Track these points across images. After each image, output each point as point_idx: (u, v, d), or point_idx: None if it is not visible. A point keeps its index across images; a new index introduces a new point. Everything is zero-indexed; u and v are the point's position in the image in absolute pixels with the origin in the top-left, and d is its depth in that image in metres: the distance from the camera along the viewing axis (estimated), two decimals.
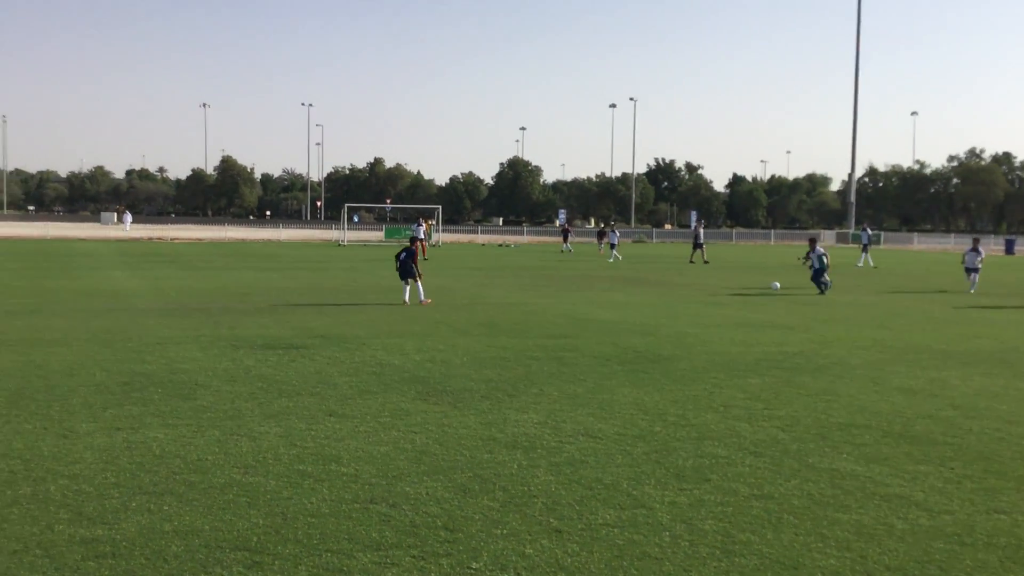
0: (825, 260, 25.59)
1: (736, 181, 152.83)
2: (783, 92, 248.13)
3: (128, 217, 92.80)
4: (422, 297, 20.24)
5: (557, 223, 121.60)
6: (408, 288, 20.55)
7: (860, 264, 41.27)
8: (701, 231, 43.97)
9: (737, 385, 11.01)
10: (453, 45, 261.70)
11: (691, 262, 40.92)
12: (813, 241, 27.07)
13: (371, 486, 6.77)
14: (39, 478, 6.81)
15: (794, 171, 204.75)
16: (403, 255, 20.73)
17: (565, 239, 55.00)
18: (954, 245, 74.94)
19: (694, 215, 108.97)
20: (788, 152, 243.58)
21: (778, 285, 26.49)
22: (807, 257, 26.49)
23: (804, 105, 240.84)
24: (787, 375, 11.78)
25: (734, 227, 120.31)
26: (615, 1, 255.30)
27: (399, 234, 62.24)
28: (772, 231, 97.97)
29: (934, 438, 8.49)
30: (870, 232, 45.98)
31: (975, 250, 27.43)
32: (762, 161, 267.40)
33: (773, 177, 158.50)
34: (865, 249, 42.91)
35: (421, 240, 20.92)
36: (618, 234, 48.24)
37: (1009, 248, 65.97)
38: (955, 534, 5.97)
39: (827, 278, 25.40)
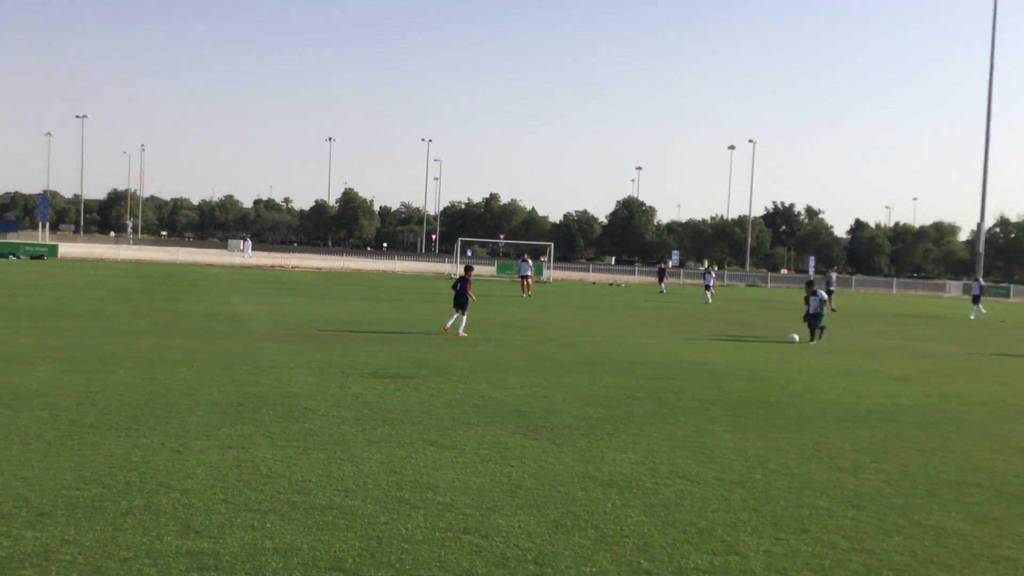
0: (824, 306, 24.03)
1: (858, 227, 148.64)
2: (910, 136, 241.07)
3: (248, 245, 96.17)
4: (461, 330, 20.68)
5: (670, 263, 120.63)
6: (454, 316, 20.99)
7: (972, 317, 39.61)
8: (834, 276, 42.90)
9: (845, 436, 10.72)
10: (570, 85, 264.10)
11: (832, 310, 39.66)
12: (811, 284, 24.96)
13: (465, 516, 6.87)
14: (152, 490, 7.16)
15: (920, 219, 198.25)
16: (458, 284, 21.30)
17: (660, 280, 54.62)
18: None
19: (812, 260, 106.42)
20: (915, 199, 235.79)
21: (796, 337, 23.73)
22: (807, 300, 24.00)
23: (932, 151, 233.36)
24: (898, 428, 11.40)
25: (854, 274, 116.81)
26: (736, 44, 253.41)
27: (510, 269, 62.79)
28: (894, 279, 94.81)
29: None
30: (982, 283, 44.26)
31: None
32: (887, 207, 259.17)
33: (898, 224, 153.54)
34: (976, 300, 41.17)
35: (468, 279, 21.32)
36: (714, 275, 46.81)
37: None
38: None
39: (823, 324, 23.73)
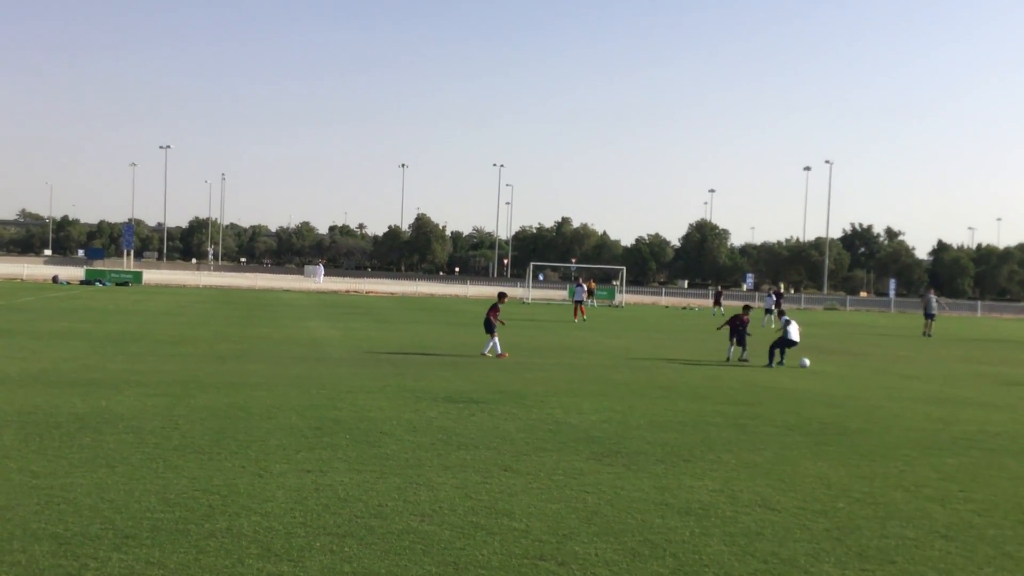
0: (790, 331, 22.02)
1: (941, 248, 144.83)
2: (993, 155, 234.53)
3: (321, 271, 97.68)
4: (496, 350, 21.30)
5: (744, 287, 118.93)
6: (489, 342, 21.48)
7: None
8: (933, 299, 40.77)
9: (931, 464, 10.40)
10: (641, 106, 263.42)
11: (926, 335, 38.69)
12: (748, 307, 23.63)
13: (541, 543, 6.84)
14: (234, 513, 7.28)
15: (1005, 239, 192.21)
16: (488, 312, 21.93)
17: (716, 302, 53.96)
18: None
19: (893, 282, 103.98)
20: (999, 219, 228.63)
21: (807, 362, 22.01)
22: (734, 327, 22.76)
23: (1017, 169, 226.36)
24: (987, 456, 11.02)
25: (922, 296, 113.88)
26: (810, 62, 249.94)
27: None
28: (979, 302, 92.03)
29: None
30: None
31: None
32: (970, 228, 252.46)
33: (981, 246, 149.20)
34: None
35: (496, 306, 21.86)
36: (774, 298, 44.85)
37: None
38: None
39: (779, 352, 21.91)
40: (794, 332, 22.18)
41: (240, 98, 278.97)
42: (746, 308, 23.90)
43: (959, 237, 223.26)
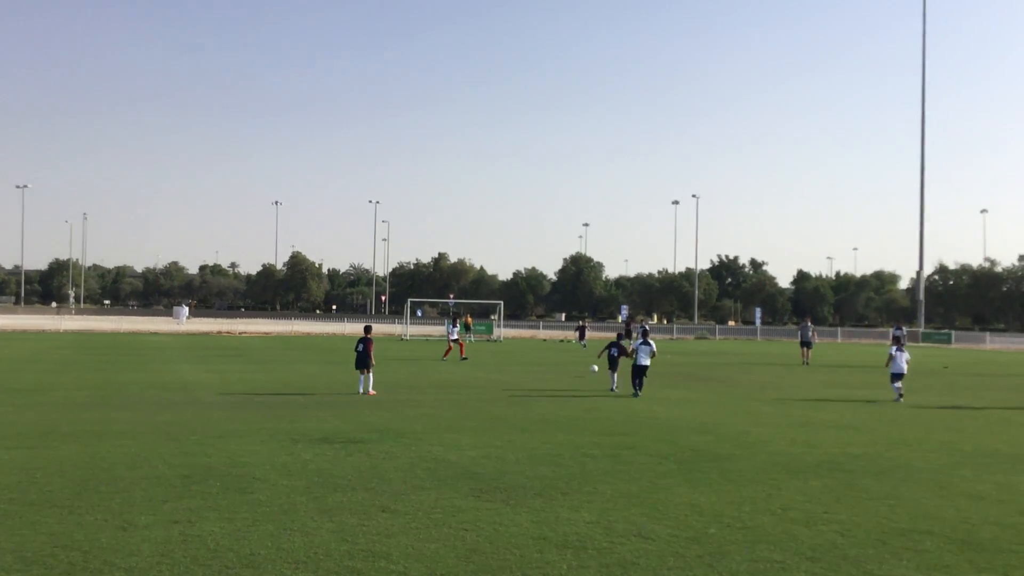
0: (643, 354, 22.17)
1: (802, 278, 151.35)
2: (849, 188, 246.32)
3: (184, 311, 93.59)
4: (370, 388, 21.22)
5: (620, 319, 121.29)
6: (363, 378, 21.37)
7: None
8: (809, 328, 41.12)
9: (796, 487, 10.79)
10: (516, 142, 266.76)
11: (805, 363, 38.87)
12: (629, 322, 24.51)
13: None
14: (96, 570, 6.94)
15: (861, 268, 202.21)
16: (360, 346, 21.60)
17: (581, 336, 54.97)
18: None
19: (758, 311, 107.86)
20: (855, 249, 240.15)
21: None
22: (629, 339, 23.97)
23: (871, 201, 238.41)
24: (849, 477, 11.52)
25: (799, 324, 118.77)
26: (677, 97, 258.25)
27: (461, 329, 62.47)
28: (839, 328, 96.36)
29: (999, 546, 8.20)
30: (904, 331, 44.24)
31: (901, 349, 23.41)
32: (828, 258, 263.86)
33: (839, 274, 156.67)
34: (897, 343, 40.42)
35: (369, 339, 21.67)
36: (646, 328, 45.07)
37: None
38: None
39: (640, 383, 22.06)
40: (643, 357, 22.40)
41: (101, 136, 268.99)
42: (619, 336, 24.60)
43: (819, 266, 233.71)
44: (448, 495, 9.89)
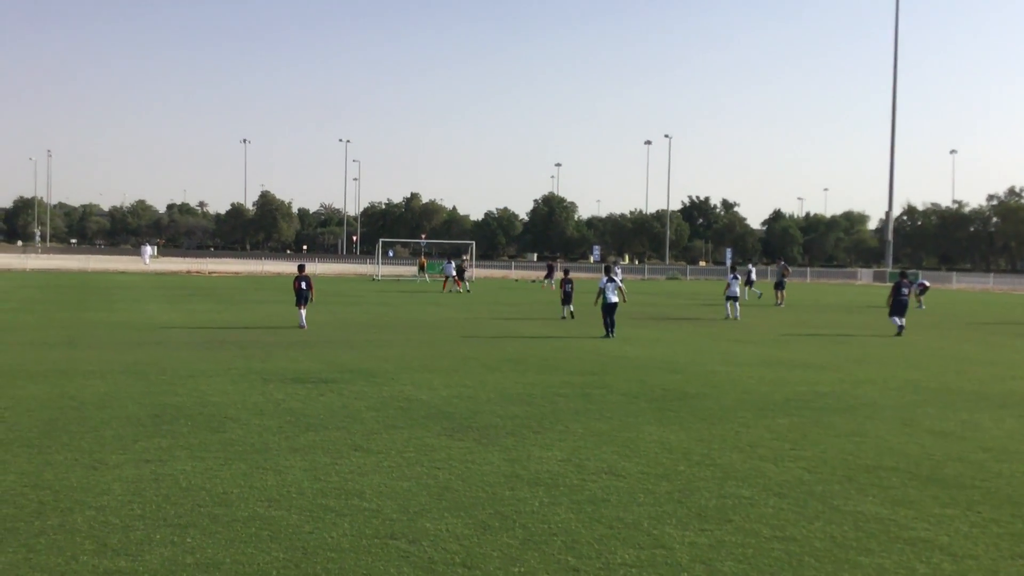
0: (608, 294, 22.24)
1: (776, 218, 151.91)
2: (820, 129, 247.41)
3: (148, 250, 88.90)
4: (303, 322, 22.28)
5: (592, 259, 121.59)
6: (303, 313, 22.46)
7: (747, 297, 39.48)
8: (781, 269, 41.14)
9: (765, 425, 10.94)
10: (488, 81, 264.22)
11: (778, 305, 38.86)
12: (551, 263, 25.17)
13: (392, 522, 6.80)
14: (67, 508, 6.92)
15: (831, 208, 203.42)
16: (303, 283, 22.60)
17: (549, 275, 54.18)
18: (994, 285, 73.91)
19: (729, 252, 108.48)
20: (826, 190, 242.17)
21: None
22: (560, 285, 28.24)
23: (842, 142, 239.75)
24: (816, 415, 11.68)
25: (769, 264, 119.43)
26: (650, 38, 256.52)
27: (433, 269, 62.42)
28: (808, 269, 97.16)
29: (963, 481, 8.38)
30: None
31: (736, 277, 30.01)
32: (799, 198, 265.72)
33: (809, 215, 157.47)
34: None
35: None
36: (621, 273, 44.15)
37: None
38: None
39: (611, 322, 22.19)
40: (611, 293, 22.32)
41: (65, 70, 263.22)
42: (565, 271, 30.17)
43: (789, 207, 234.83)
44: (420, 434, 9.93)
